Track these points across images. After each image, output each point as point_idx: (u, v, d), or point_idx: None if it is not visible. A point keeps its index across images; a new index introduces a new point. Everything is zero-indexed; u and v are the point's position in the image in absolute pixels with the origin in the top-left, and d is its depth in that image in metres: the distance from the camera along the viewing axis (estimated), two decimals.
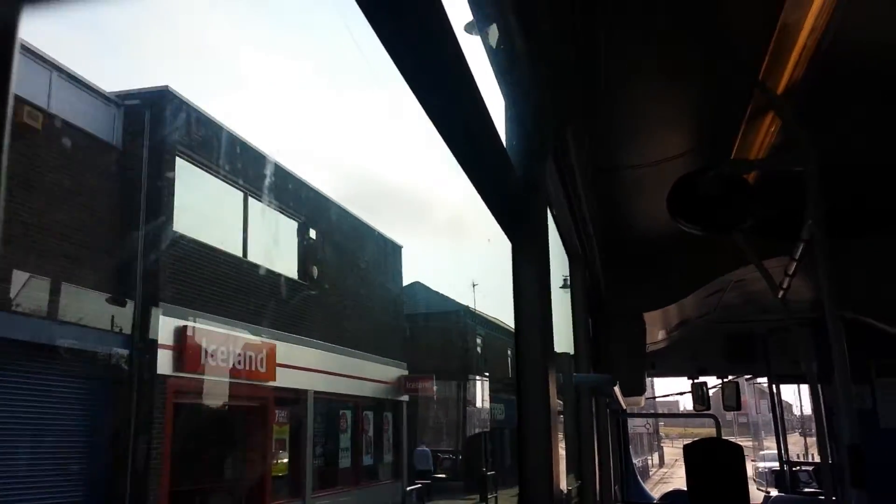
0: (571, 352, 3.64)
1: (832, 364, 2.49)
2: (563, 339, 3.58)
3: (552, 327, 2.09)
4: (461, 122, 1.42)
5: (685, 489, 5.62)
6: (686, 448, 5.43)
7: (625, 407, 6.71)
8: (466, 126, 1.45)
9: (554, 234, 2.55)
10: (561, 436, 3.67)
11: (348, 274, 22.07)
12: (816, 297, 4.72)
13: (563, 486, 3.15)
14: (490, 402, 32.65)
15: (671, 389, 17.71)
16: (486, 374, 33.06)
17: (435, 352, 29.84)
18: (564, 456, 3.76)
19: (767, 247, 3.69)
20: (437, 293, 33.50)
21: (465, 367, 31.41)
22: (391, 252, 26.26)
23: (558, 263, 2.96)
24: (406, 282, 28.44)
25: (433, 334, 30.89)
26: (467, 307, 33.06)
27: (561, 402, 3.64)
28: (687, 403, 9.12)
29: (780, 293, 3.90)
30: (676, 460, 40.10)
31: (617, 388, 4.37)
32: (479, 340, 33.49)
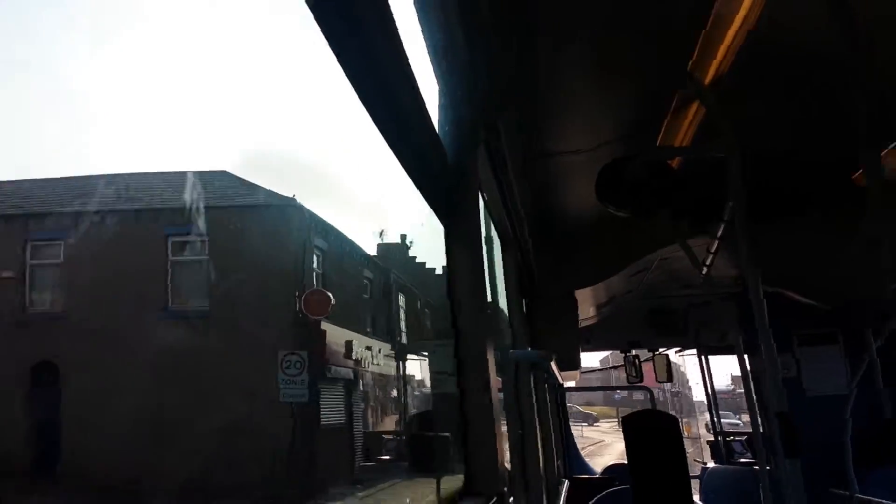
0: (509, 331, 3.71)
1: (756, 335, 2.59)
2: (499, 316, 3.64)
3: (487, 307, 2.13)
4: (393, 106, 1.41)
5: (626, 462, 5.77)
6: (624, 420, 5.57)
7: (562, 381, 6.83)
8: (399, 111, 1.43)
9: (485, 216, 2.59)
10: (503, 412, 3.74)
11: None
12: (737, 273, 4.91)
13: (507, 462, 3.23)
14: None
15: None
16: None
17: None
18: (507, 432, 3.84)
19: (691, 227, 3.81)
20: None
21: None
22: None
23: (491, 247, 3.01)
24: None
25: None
26: None
27: (500, 380, 3.71)
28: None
29: (704, 270, 4.05)
30: None
31: (553, 364, 4.48)
32: None
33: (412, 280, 31.80)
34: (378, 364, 25.37)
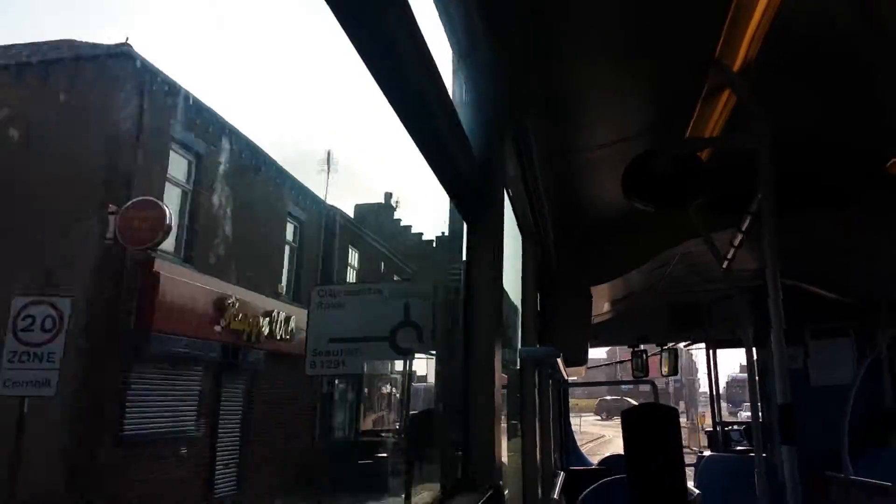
0: (519, 325, 3.69)
1: (768, 329, 2.57)
2: (511, 312, 3.61)
3: (502, 304, 2.12)
4: (420, 103, 1.40)
5: (622, 454, 5.80)
6: (623, 413, 5.59)
7: (567, 377, 6.85)
8: (425, 107, 1.42)
9: (508, 212, 2.55)
10: (504, 406, 3.73)
11: None
12: (759, 266, 4.88)
13: (505, 454, 3.22)
14: None
15: None
16: None
17: None
18: (507, 425, 3.83)
19: (714, 220, 3.76)
20: None
21: None
22: None
23: (511, 240, 2.97)
24: None
25: None
26: None
27: (505, 375, 3.69)
28: None
29: (725, 263, 4.00)
30: None
31: (560, 360, 4.45)
32: None
33: (390, 242, 25.16)
34: (287, 339, 16.56)
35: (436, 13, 1.58)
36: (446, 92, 1.45)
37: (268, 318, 15.80)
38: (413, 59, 1.26)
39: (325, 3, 1.01)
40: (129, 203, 11.43)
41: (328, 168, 21.23)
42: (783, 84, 2.58)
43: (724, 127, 2.81)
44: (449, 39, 1.70)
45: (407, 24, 1.18)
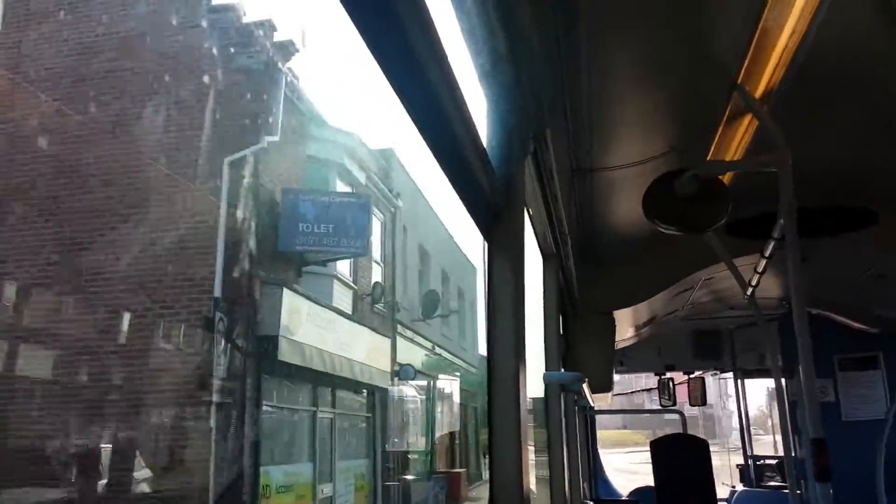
0: (542, 350, 3.65)
1: (797, 359, 2.53)
2: (534, 337, 3.59)
3: (525, 327, 2.10)
4: (441, 120, 1.41)
5: (652, 485, 5.70)
6: (653, 444, 5.50)
7: (593, 404, 6.76)
8: (446, 125, 1.43)
9: (529, 233, 2.54)
10: (530, 433, 3.68)
11: None
12: (783, 294, 4.81)
13: (533, 484, 3.17)
14: None
15: None
16: None
17: None
18: (534, 454, 3.78)
19: (737, 245, 3.73)
20: None
21: None
22: None
23: (532, 261, 2.96)
24: None
25: None
26: None
27: (531, 401, 3.64)
28: None
29: (749, 290, 3.95)
30: None
31: (586, 386, 4.40)
32: None
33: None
34: None
35: (459, 31, 1.60)
36: (468, 110, 1.47)
37: None
38: (435, 74, 1.27)
39: (347, 15, 1.03)
40: None
41: None
42: (806, 109, 2.58)
43: (747, 150, 2.81)
44: (472, 56, 1.71)
45: (430, 39, 1.20)
